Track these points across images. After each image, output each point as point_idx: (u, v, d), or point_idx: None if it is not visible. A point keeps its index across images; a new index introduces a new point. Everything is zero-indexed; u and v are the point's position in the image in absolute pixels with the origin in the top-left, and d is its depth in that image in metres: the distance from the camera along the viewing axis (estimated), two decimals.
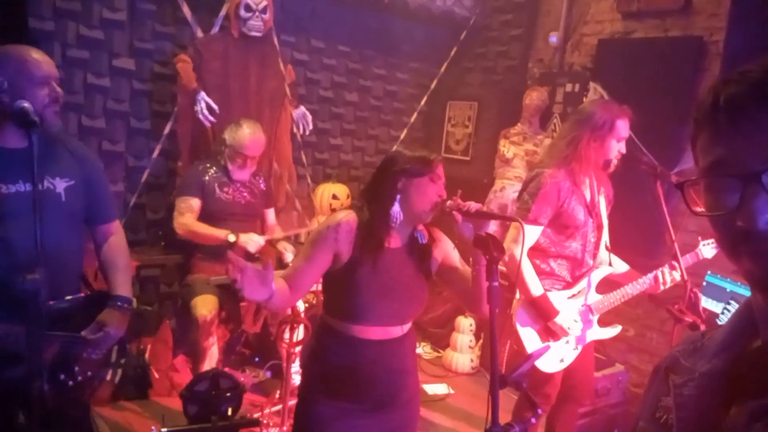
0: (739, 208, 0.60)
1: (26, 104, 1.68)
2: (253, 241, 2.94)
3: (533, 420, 1.22)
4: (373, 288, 1.71)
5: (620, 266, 2.59)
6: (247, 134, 3.07)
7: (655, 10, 3.68)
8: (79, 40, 3.15)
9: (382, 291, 1.72)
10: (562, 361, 2.40)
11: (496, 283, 1.28)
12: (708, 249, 2.53)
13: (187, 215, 3.02)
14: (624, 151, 2.35)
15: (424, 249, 1.83)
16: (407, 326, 1.84)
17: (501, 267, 1.82)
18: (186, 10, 3.59)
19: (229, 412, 2.46)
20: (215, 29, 3.71)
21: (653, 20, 3.72)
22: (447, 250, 1.87)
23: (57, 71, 1.86)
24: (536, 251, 2.40)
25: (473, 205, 1.63)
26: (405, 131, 4.82)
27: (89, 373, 1.98)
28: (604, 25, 4.05)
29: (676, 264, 2.36)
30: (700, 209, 0.66)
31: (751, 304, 0.69)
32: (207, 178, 3.09)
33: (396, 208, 1.71)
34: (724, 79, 0.64)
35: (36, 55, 1.81)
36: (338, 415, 1.76)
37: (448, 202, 1.68)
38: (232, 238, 2.91)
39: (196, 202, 3.05)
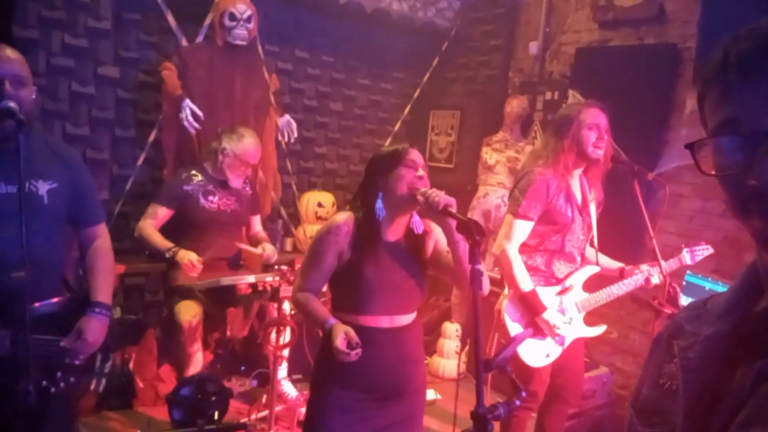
0: (751, 167, 0.59)
1: (12, 104, 1.66)
2: (188, 260, 2.89)
3: (517, 402, 1.25)
4: (377, 282, 1.81)
5: (608, 264, 2.63)
6: (251, 143, 3.13)
7: (630, 19, 3.79)
8: (64, 48, 3.15)
9: (385, 284, 1.82)
10: (547, 356, 2.44)
11: (478, 266, 1.31)
12: (689, 257, 2.59)
13: (148, 221, 3.05)
14: (604, 138, 2.39)
15: (419, 239, 1.93)
16: (413, 315, 1.92)
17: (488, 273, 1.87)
18: (171, 19, 3.62)
19: (216, 416, 2.46)
20: (200, 38, 3.74)
21: (628, 29, 3.83)
22: (438, 238, 1.96)
23: (13, 68, 1.73)
24: (523, 246, 2.43)
25: (443, 200, 1.68)
26: (389, 140, 4.86)
27: (72, 380, 1.94)
28: (582, 35, 4.15)
29: (659, 264, 2.42)
30: (710, 171, 0.64)
31: (756, 267, 0.68)
32: (190, 186, 3.09)
33: (378, 204, 1.82)
34: (733, 36, 0.63)
35: None
36: (350, 405, 1.82)
37: (422, 189, 1.76)
38: (169, 254, 2.94)
39: (162, 211, 3.07)
